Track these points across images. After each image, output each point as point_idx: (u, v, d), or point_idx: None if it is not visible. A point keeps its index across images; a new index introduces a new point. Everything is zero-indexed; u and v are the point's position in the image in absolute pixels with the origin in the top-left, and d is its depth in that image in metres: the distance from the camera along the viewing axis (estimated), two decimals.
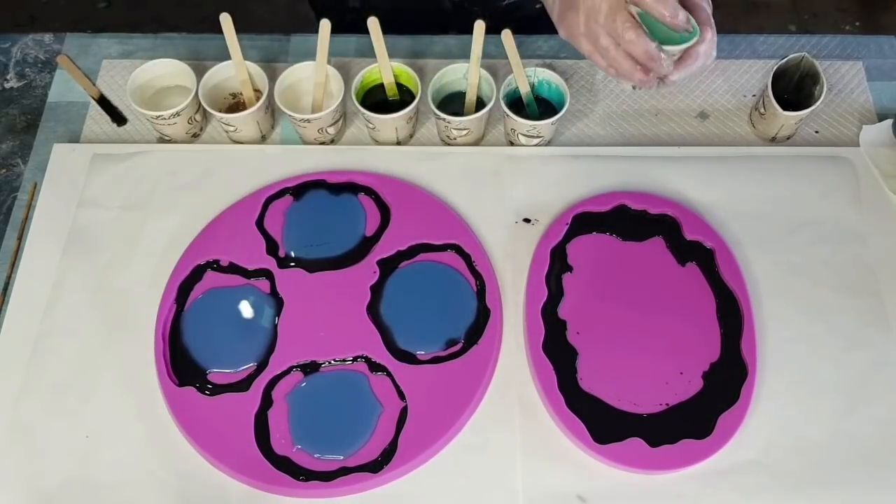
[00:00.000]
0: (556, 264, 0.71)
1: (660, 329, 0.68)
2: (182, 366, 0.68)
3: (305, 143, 0.81)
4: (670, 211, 0.74)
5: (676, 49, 0.66)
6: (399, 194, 0.75)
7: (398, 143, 0.80)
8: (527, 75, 0.76)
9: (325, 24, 0.75)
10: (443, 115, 0.75)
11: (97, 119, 0.83)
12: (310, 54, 0.77)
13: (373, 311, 0.70)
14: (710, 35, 0.64)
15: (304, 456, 0.64)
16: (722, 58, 0.85)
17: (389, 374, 0.67)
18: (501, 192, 0.76)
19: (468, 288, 0.71)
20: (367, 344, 0.68)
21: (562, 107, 0.76)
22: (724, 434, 0.64)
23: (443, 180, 0.77)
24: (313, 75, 0.78)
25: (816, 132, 0.81)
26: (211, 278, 0.72)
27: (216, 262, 0.72)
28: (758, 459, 0.64)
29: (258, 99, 0.77)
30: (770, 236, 0.74)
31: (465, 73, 0.78)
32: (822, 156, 0.78)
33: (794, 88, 0.79)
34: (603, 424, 0.64)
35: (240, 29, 0.76)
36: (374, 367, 0.67)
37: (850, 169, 0.77)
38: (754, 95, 0.83)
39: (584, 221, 0.73)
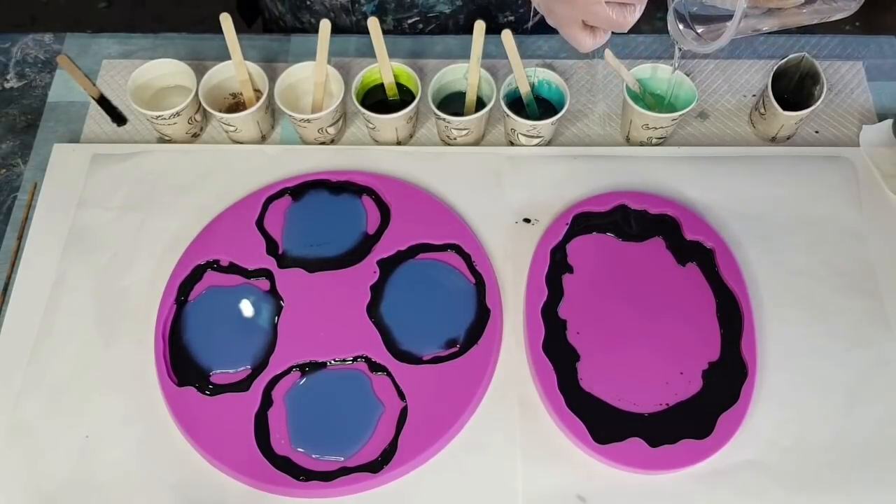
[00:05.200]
0: (556, 264, 0.71)
1: (660, 329, 0.68)
2: (182, 366, 0.68)
3: (305, 143, 0.81)
4: (670, 211, 0.74)
5: (677, 115, 0.74)
6: (399, 194, 0.75)
7: (398, 143, 0.80)
8: (527, 75, 0.76)
9: (325, 24, 0.75)
10: (443, 115, 0.75)
11: (97, 119, 0.83)
12: (310, 54, 0.77)
13: (373, 311, 0.70)
14: None
15: (304, 456, 0.64)
16: (722, 58, 0.86)
17: (389, 374, 0.67)
18: (501, 192, 0.76)
19: (468, 288, 0.71)
20: (367, 344, 0.68)
21: (562, 107, 0.76)
22: (724, 434, 0.63)
23: (443, 180, 0.77)
24: (313, 75, 0.78)
25: (816, 132, 0.81)
26: (211, 278, 0.72)
27: (216, 261, 0.72)
28: (758, 459, 0.64)
29: (258, 99, 0.77)
30: (770, 236, 0.74)
31: (465, 73, 0.78)
32: (822, 156, 0.78)
33: (794, 88, 0.79)
34: (603, 424, 0.64)
35: (240, 29, 0.76)
36: (375, 367, 0.67)
37: (850, 169, 0.77)
38: (754, 95, 0.83)
39: (584, 221, 0.73)
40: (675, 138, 0.81)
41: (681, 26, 0.63)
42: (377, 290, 0.71)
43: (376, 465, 0.63)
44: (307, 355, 0.68)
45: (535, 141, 0.78)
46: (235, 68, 0.77)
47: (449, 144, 0.80)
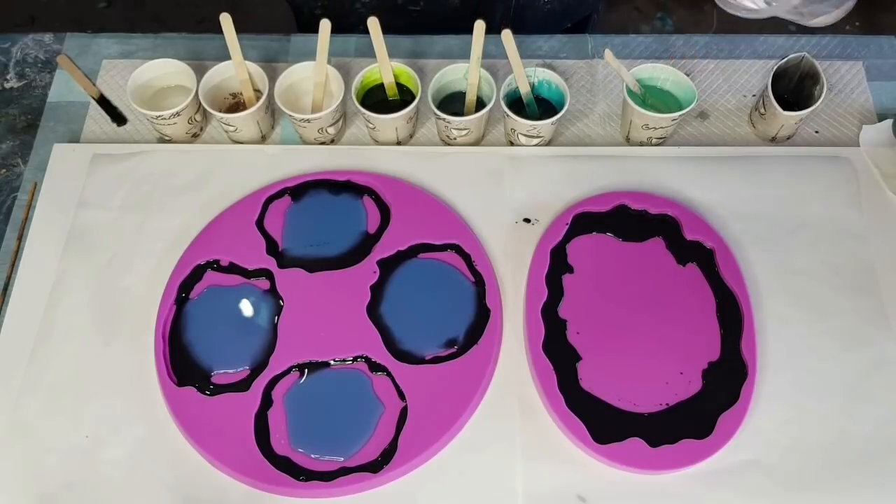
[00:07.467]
0: (556, 264, 0.71)
1: (660, 329, 0.68)
2: (182, 366, 0.68)
3: (305, 143, 0.81)
4: (670, 211, 0.74)
5: (677, 115, 0.74)
6: (399, 194, 0.75)
7: (398, 143, 0.80)
8: (527, 75, 0.76)
9: (325, 24, 0.75)
10: (443, 115, 0.75)
11: (97, 119, 0.83)
12: (310, 54, 0.77)
13: (373, 311, 0.70)
14: None
15: (304, 456, 0.64)
16: (722, 58, 0.86)
17: (389, 374, 0.67)
18: (501, 192, 0.76)
19: (468, 288, 0.71)
20: (367, 344, 0.68)
21: (562, 107, 0.76)
22: (724, 434, 0.64)
23: (443, 180, 0.77)
24: (313, 75, 0.78)
25: (816, 132, 0.81)
26: (211, 278, 0.72)
27: (216, 261, 0.72)
28: (758, 459, 0.64)
29: (258, 99, 0.77)
30: (770, 236, 0.74)
31: (465, 73, 0.78)
32: (822, 156, 0.78)
33: (794, 88, 0.79)
34: (603, 424, 0.64)
35: (240, 29, 0.76)
36: (375, 367, 0.67)
37: (850, 169, 0.77)
38: (754, 95, 0.83)
39: (584, 221, 0.73)
40: (675, 138, 0.81)
41: None
42: (377, 290, 0.71)
43: (376, 465, 0.63)
44: (307, 355, 0.68)
45: (535, 141, 0.78)
46: (235, 68, 0.77)
47: (449, 144, 0.80)
